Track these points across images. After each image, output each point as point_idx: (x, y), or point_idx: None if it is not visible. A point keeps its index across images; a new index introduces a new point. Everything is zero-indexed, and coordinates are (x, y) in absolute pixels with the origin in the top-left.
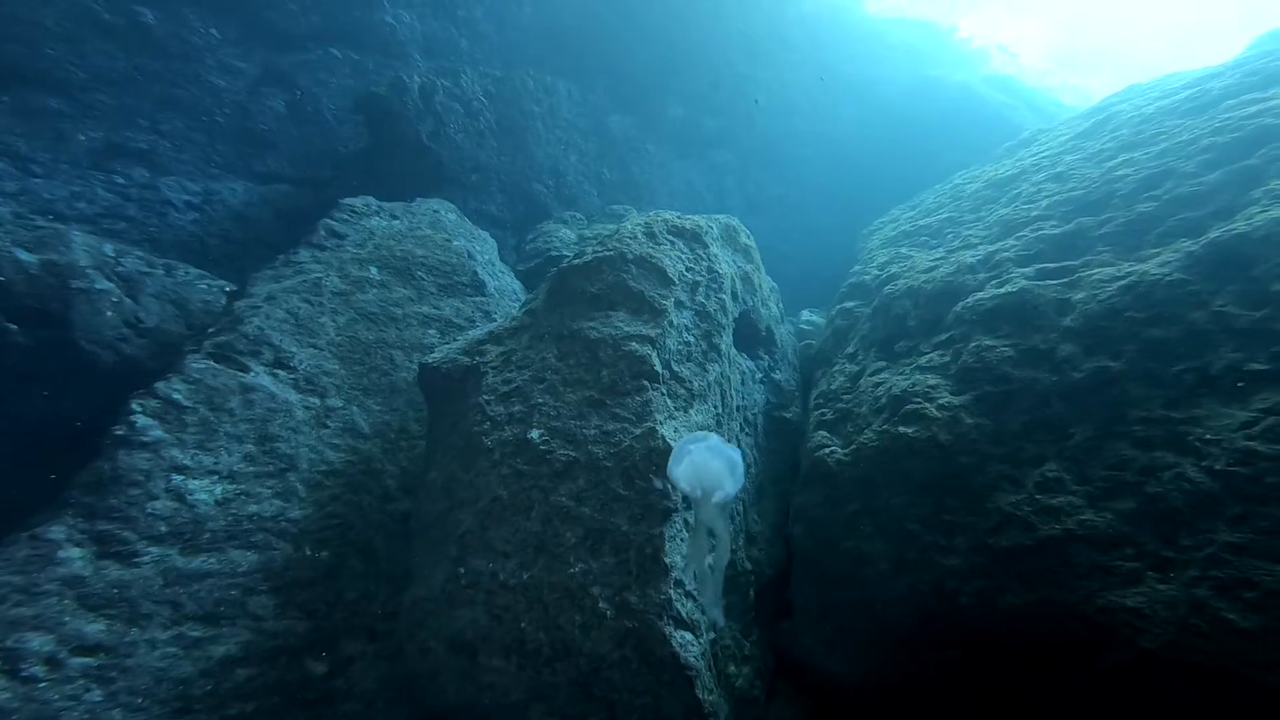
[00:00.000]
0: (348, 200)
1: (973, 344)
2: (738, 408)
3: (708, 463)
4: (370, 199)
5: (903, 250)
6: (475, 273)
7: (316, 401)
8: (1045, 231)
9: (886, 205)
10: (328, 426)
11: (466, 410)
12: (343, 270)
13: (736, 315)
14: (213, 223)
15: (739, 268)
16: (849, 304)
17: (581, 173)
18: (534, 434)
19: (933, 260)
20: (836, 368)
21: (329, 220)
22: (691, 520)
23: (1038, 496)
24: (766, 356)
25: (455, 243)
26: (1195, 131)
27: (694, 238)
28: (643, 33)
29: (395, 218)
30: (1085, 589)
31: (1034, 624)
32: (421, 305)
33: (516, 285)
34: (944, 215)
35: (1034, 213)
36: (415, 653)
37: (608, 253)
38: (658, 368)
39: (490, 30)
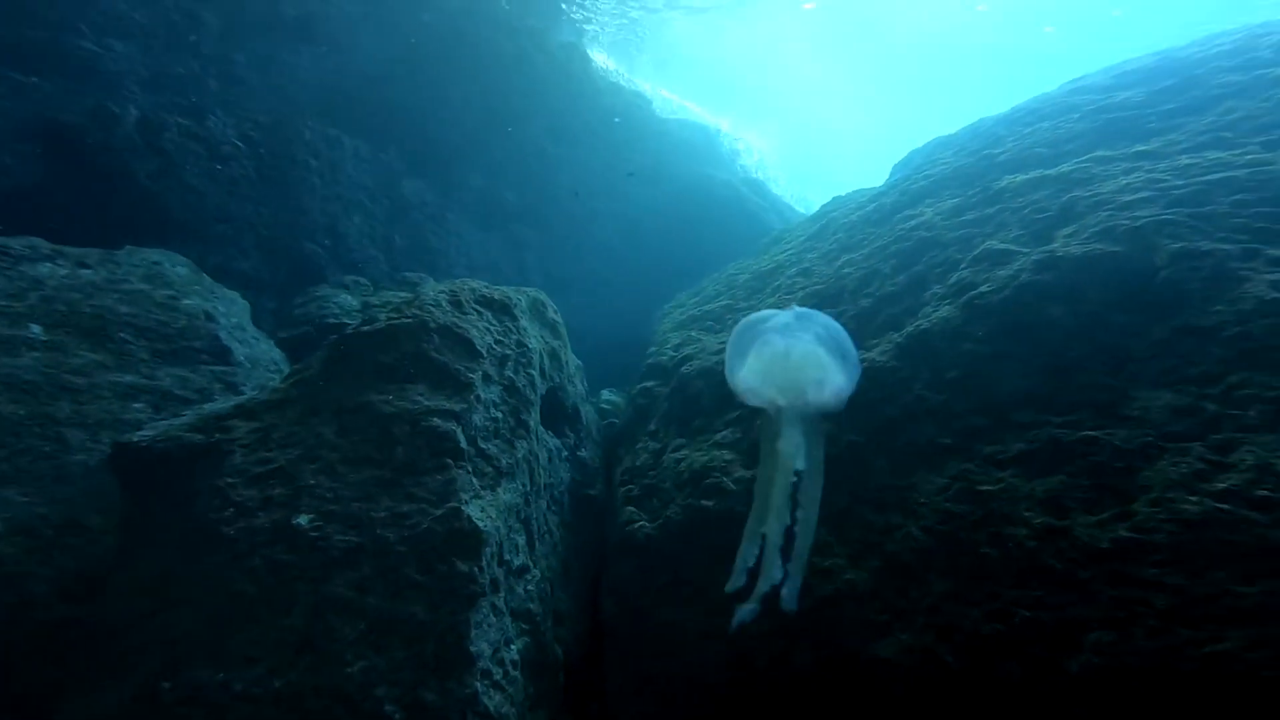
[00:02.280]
0: None
1: (757, 421)
2: (545, 485)
3: (794, 349)
4: (39, 241)
5: (693, 334)
6: (216, 337)
7: None
8: None
9: (679, 286)
10: None
11: (197, 495)
12: None
13: (544, 392)
14: None
15: (547, 343)
16: (649, 383)
17: (367, 235)
18: (302, 519)
19: (720, 343)
20: (640, 445)
21: None
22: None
23: (814, 559)
24: (572, 434)
25: (187, 301)
26: (885, 239)
27: (503, 309)
28: (444, 100)
29: (86, 266)
30: (855, 643)
31: (821, 682)
32: (123, 374)
33: (277, 354)
34: (723, 302)
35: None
36: None
37: (406, 320)
38: (463, 444)
39: (250, 74)
